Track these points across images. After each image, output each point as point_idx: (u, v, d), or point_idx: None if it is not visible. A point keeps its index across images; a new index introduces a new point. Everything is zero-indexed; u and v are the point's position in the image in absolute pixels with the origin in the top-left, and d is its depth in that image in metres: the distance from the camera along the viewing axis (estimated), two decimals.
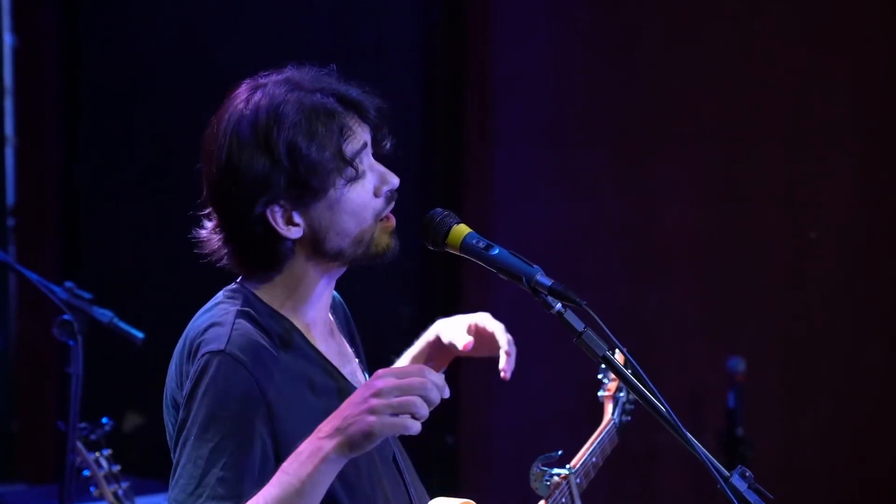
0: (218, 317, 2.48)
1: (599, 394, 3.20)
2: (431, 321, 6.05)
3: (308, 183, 2.46)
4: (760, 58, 5.83)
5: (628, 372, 2.47)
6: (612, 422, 3.15)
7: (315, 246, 2.51)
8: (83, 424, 4.12)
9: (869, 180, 5.74)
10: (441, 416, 5.96)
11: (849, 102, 5.74)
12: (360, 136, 2.53)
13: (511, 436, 5.83)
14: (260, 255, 2.51)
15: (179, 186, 5.98)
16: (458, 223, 2.59)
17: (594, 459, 3.02)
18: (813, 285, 5.81)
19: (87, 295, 4.00)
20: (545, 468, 2.88)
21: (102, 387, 4.94)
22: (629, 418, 3.20)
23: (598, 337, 2.51)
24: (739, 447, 5.24)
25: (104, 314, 4.02)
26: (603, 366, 2.58)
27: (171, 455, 2.48)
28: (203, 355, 2.41)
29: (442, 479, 5.64)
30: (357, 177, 2.51)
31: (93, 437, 4.18)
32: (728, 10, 5.86)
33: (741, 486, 2.39)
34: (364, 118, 2.54)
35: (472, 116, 6.13)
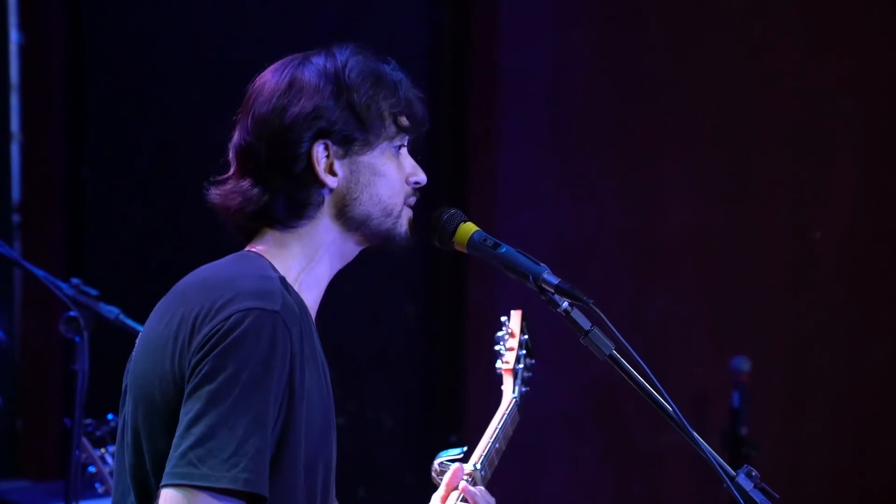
0: (257, 271, 2.38)
1: (497, 366, 3.01)
2: (435, 320, 6.07)
3: (363, 126, 2.45)
4: (765, 59, 5.82)
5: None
6: (514, 400, 2.99)
7: (344, 206, 2.47)
8: (88, 421, 4.12)
9: (874, 181, 5.74)
10: (445, 415, 6.00)
11: (854, 103, 5.74)
12: (406, 121, 2.54)
13: (515, 434, 5.83)
14: (291, 198, 2.44)
15: (185, 183, 5.98)
16: (465, 221, 2.60)
17: (497, 446, 2.91)
18: (817, 286, 5.81)
19: (93, 291, 4.00)
20: (449, 463, 2.77)
21: (108, 383, 4.93)
22: (527, 389, 3.02)
23: (605, 336, 2.52)
24: (743, 447, 5.24)
25: (111, 311, 4.01)
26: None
27: (166, 393, 2.32)
28: (253, 309, 2.28)
29: None
30: (398, 146, 2.51)
31: (98, 433, 4.17)
32: (733, 11, 5.86)
33: (747, 485, 2.40)
34: (410, 116, 2.55)
35: (476, 119, 6.13)
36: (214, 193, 2.49)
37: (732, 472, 2.41)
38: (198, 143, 5.74)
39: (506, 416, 2.96)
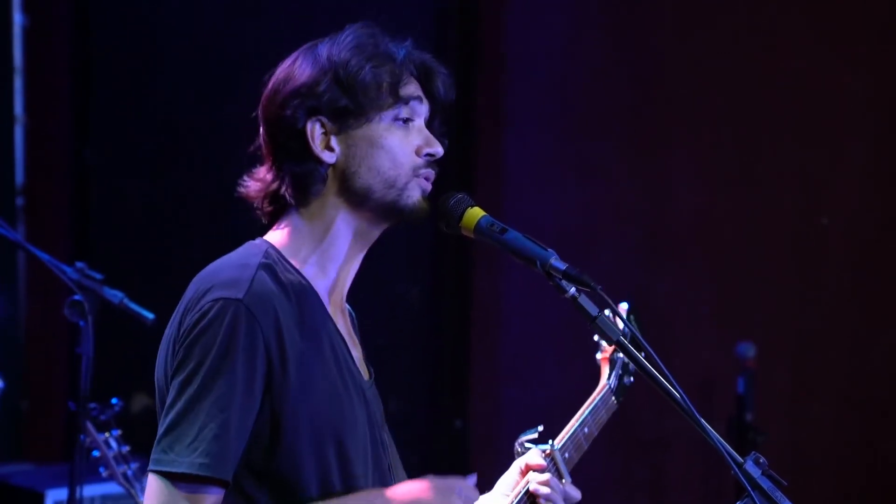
0: (239, 261, 2.43)
1: (597, 356, 3.09)
2: (441, 304, 6.05)
3: (354, 100, 2.46)
4: (774, 43, 5.81)
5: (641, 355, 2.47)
6: (608, 387, 3.03)
7: (345, 181, 2.47)
8: (93, 405, 4.12)
9: (882, 167, 5.72)
10: (450, 399, 6.00)
11: (862, 88, 5.72)
12: (417, 91, 2.53)
13: (520, 420, 5.82)
14: (294, 178, 2.47)
15: (190, 165, 5.97)
16: (472, 206, 2.58)
17: (586, 430, 2.95)
18: (825, 271, 5.80)
19: (98, 275, 3.99)
20: (530, 445, 2.83)
21: (112, 367, 4.93)
22: (632, 380, 3.07)
23: (613, 321, 2.51)
24: (749, 433, 5.23)
25: (115, 295, 4.01)
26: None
27: (164, 387, 2.40)
28: (218, 299, 2.35)
29: (451, 462, 5.64)
30: (404, 118, 2.50)
31: (102, 417, 4.18)
32: None
33: (755, 472, 2.39)
34: (428, 89, 2.55)
35: (484, 104, 6.11)
36: (245, 185, 2.54)
37: (740, 459, 2.40)
38: (202, 125, 5.73)
39: (597, 401, 3.00)
